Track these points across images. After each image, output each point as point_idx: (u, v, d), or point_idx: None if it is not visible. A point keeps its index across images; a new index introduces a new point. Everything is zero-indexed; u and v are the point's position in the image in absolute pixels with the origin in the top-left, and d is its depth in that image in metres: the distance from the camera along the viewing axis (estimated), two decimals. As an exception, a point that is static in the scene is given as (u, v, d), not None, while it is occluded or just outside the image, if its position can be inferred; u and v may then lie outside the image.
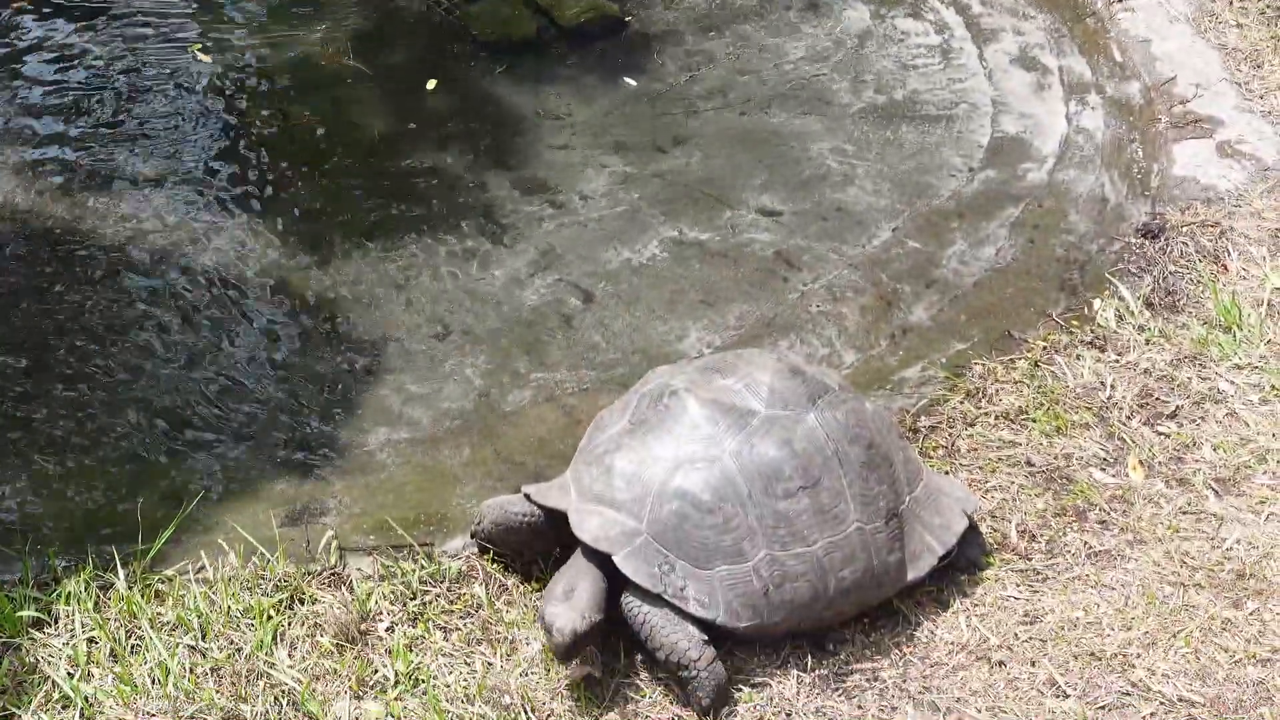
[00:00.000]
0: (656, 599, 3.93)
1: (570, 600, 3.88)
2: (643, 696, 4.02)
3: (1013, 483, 4.64)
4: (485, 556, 4.37)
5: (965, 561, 4.38)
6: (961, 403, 4.91)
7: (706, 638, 3.92)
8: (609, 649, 4.08)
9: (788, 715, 3.97)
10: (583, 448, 4.20)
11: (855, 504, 4.06)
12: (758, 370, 4.14)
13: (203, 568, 4.25)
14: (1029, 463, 4.69)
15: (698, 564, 3.96)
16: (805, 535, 4.00)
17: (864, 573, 4.08)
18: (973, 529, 4.35)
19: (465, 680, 4.00)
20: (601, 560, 4.00)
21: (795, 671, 4.09)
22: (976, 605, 4.28)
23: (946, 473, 4.61)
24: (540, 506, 4.18)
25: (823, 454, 4.03)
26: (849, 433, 4.11)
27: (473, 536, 4.34)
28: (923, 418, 4.84)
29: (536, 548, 4.26)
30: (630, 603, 3.97)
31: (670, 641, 3.90)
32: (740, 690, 4.05)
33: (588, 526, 4.01)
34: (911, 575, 4.17)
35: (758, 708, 4.00)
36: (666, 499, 3.97)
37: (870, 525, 4.09)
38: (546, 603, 3.90)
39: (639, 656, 4.08)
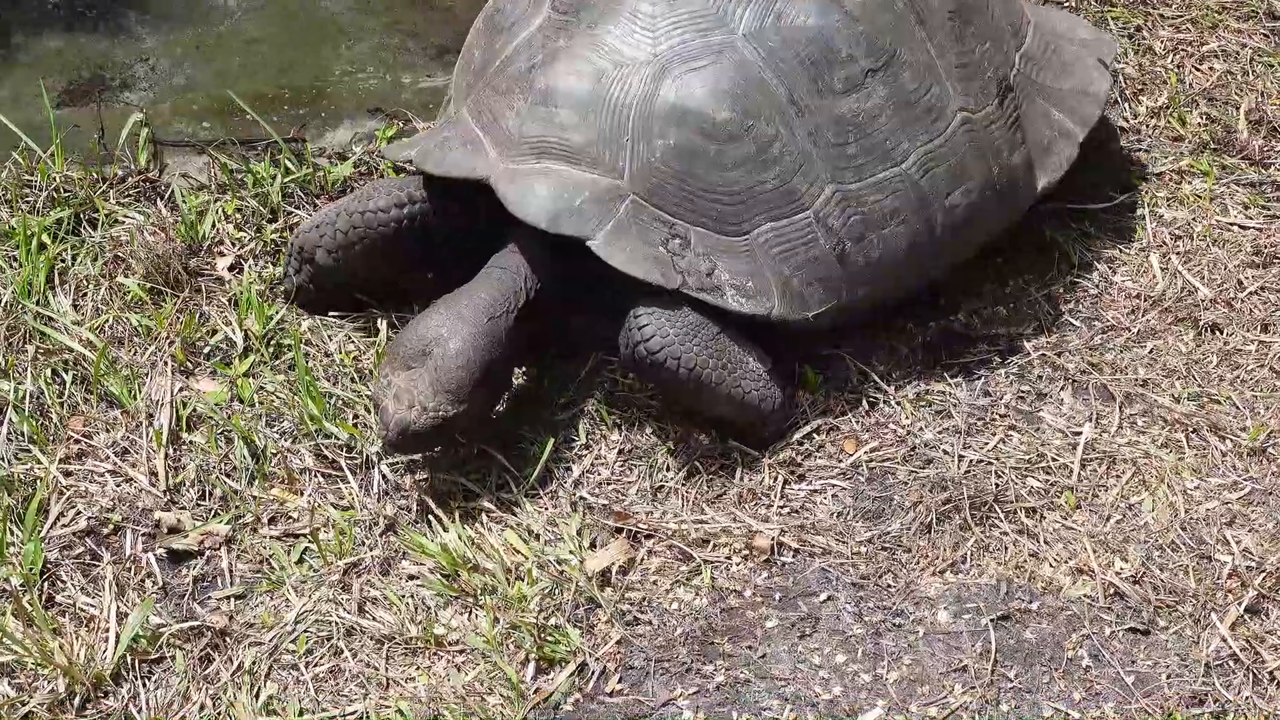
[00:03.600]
0: (677, 301, 3.15)
1: (422, 368, 3.07)
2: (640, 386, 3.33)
3: (1244, 46, 4.10)
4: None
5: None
6: (1163, -92, 4.43)
7: (769, 365, 3.22)
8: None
9: (871, 405, 3.29)
10: (479, 64, 3.38)
11: (953, 80, 3.32)
12: None
13: (-70, 172, 3.89)
14: (1272, 14, 4.15)
15: (725, 227, 3.20)
16: (888, 148, 3.26)
17: (981, 191, 3.33)
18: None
19: (354, 348, 3.45)
20: (547, 259, 3.22)
21: (886, 341, 3.48)
22: (1178, 236, 3.66)
23: (1136, 29, 3.92)
24: (435, 179, 3.31)
25: (890, 7, 3.27)
26: None
27: (286, 269, 3.46)
28: (1093, -61, 4.37)
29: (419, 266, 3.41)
30: (645, 343, 3.09)
31: (733, 396, 3.13)
32: (801, 369, 3.42)
33: (533, 199, 3.15)
34: (1043, 181, 3.47)
35: (822, 401, 3.30)
36: (657, 127, 3.17)
37: (980, 112, 3.33)
38: (386, 362, 3.16)
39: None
